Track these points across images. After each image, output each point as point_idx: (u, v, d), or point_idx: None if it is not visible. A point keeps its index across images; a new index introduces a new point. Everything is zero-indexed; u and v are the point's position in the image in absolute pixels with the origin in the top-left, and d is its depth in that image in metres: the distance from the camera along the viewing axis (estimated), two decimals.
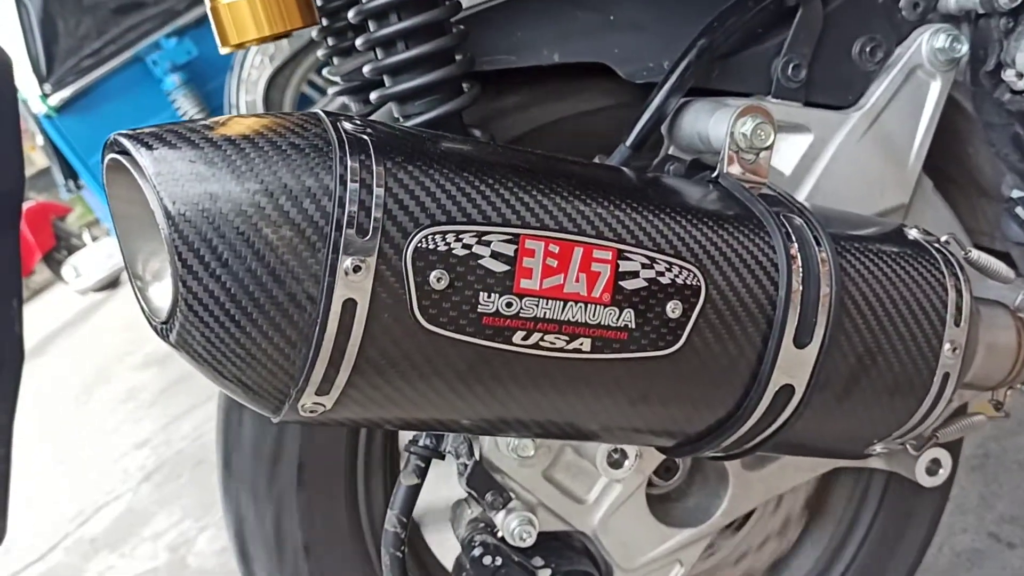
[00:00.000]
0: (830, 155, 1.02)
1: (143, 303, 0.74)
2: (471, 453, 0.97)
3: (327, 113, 0.74)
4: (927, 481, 1.03)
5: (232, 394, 0.72)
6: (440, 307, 0.69)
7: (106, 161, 0.71)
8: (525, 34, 1.01)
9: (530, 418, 0.79)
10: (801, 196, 1.01)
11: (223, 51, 0.89)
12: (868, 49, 1.02)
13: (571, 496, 1.03)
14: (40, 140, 4.66)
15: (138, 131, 0.70)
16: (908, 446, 0.96)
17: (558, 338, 0.73)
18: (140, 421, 3.83)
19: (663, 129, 0.99)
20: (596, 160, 0.97)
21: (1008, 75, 1.00)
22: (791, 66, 0.99)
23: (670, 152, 1.00)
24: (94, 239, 5.38)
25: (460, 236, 0.69)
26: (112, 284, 5.84)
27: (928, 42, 1.02)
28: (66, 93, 4.21)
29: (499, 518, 0.97)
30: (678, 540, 1.08)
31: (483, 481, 0.97)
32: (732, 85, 1.00)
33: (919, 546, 1.22)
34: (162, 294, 0.73)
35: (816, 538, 1.23)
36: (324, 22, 1.16)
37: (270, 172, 0.67)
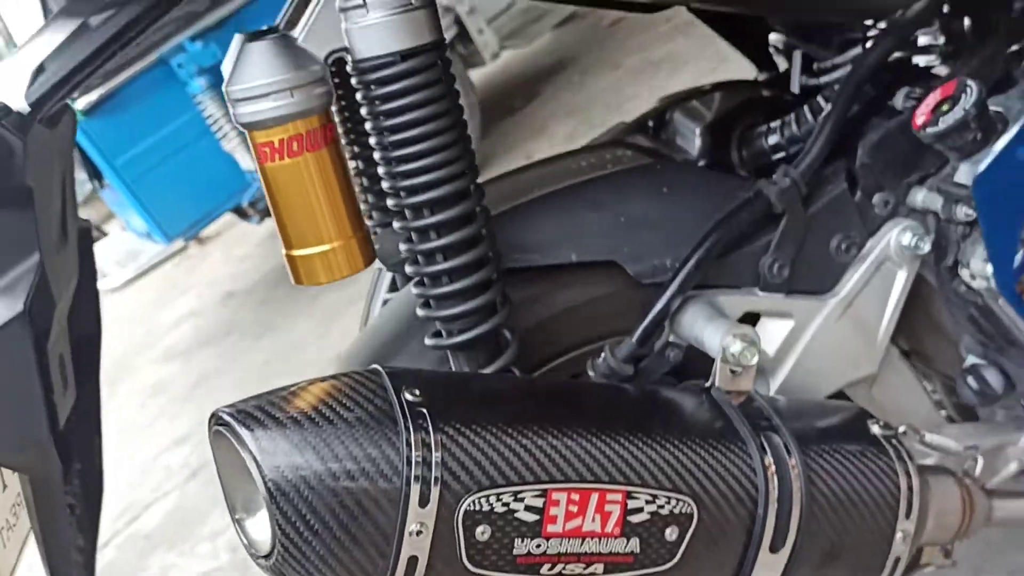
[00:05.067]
0: (809, 336, 1.18)
1: (241, 533, 0.92)
2: None
3: (389, 374, 0.91)
4: None
5: None
6: (483, 553, 0.87)
7: (213, 428, 0.89)
8: (546, 234, 1.16)
9: None
10: (783, 373, 1.18)
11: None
12: (843, 245, 1.18)
13: None
14: None
15: (239, 408, 0.87)
16: None
17: (577, 566, 0.91)
18: (176, 417, 3.91)
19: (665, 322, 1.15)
20: (605, 348, 1.12)
21: (963, 273, 1.16)
22: (776, 265, 1.15)
23: (671, 340, 1.16)
24: (104, 234, 5.45)
25: (500, 496, 0.87)
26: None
27: (896, 239, 1.18)
28: (92, 97, 4.28)
29: None
30: None
31: None
32: (725, 280, 1.16)
33: None
34: (258, 529, 0.91)
35: None
36: None
37: (346, 451, 0.84)
